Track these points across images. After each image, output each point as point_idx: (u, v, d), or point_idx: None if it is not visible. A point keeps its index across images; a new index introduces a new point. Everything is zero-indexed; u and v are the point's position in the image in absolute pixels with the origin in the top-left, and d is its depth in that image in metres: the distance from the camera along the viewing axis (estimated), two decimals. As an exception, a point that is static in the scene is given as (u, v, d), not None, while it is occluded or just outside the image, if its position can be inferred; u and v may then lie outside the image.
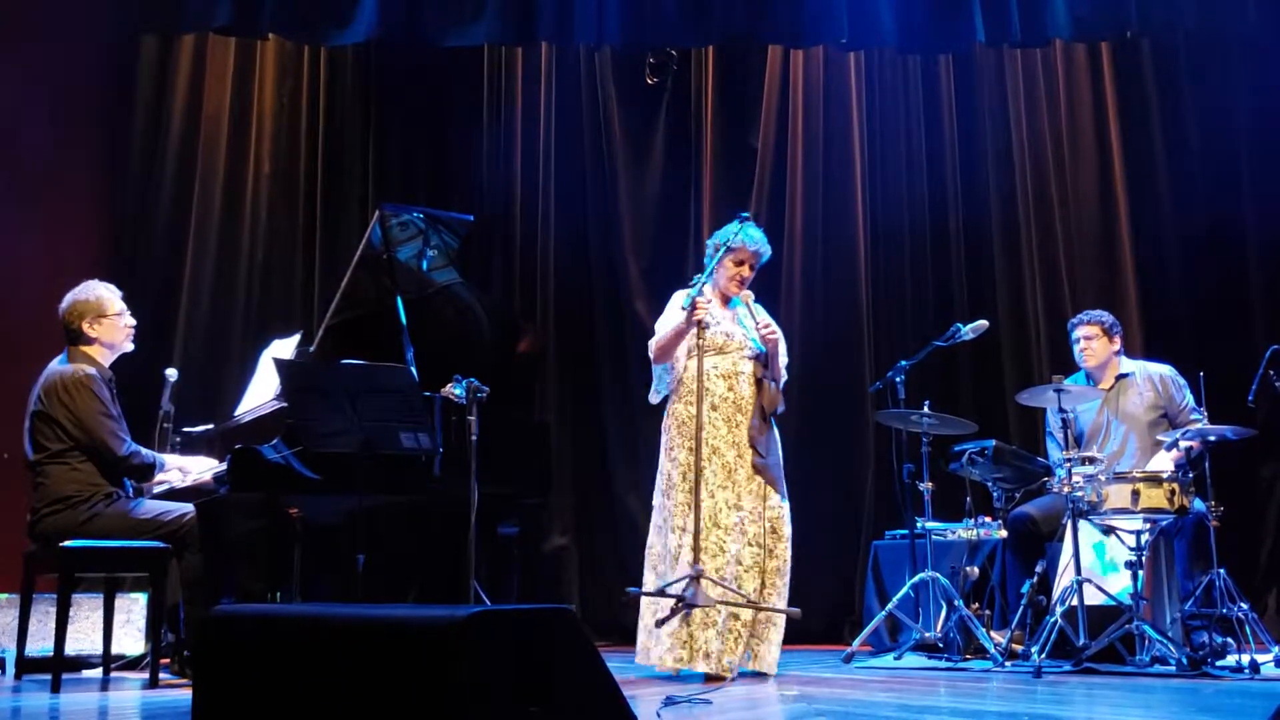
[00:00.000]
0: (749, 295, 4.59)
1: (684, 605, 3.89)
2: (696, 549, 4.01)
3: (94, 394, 4.50)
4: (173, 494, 4.78)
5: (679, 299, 4.53)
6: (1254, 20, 6.48)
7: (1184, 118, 6.71)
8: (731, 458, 4.36)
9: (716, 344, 4.46)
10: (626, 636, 6.47)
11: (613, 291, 6.87)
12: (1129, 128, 6.73)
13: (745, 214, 4.59)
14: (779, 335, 4.59)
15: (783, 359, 4.61)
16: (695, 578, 3.89)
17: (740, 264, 4.57)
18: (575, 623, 2.52)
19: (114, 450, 4.50)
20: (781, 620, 4.35)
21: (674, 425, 4.49)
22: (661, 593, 4.07)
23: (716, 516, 4.27)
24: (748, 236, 4.55)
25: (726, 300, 4.64)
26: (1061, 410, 4.88)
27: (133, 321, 4.79)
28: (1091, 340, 5.35)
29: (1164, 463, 4.98)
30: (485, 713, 2.22)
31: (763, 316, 4.62)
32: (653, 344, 4.59)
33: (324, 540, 5.32)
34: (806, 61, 6.95)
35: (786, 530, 4.42)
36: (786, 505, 4.46)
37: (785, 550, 4.39)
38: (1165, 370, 5.35)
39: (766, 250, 4.63)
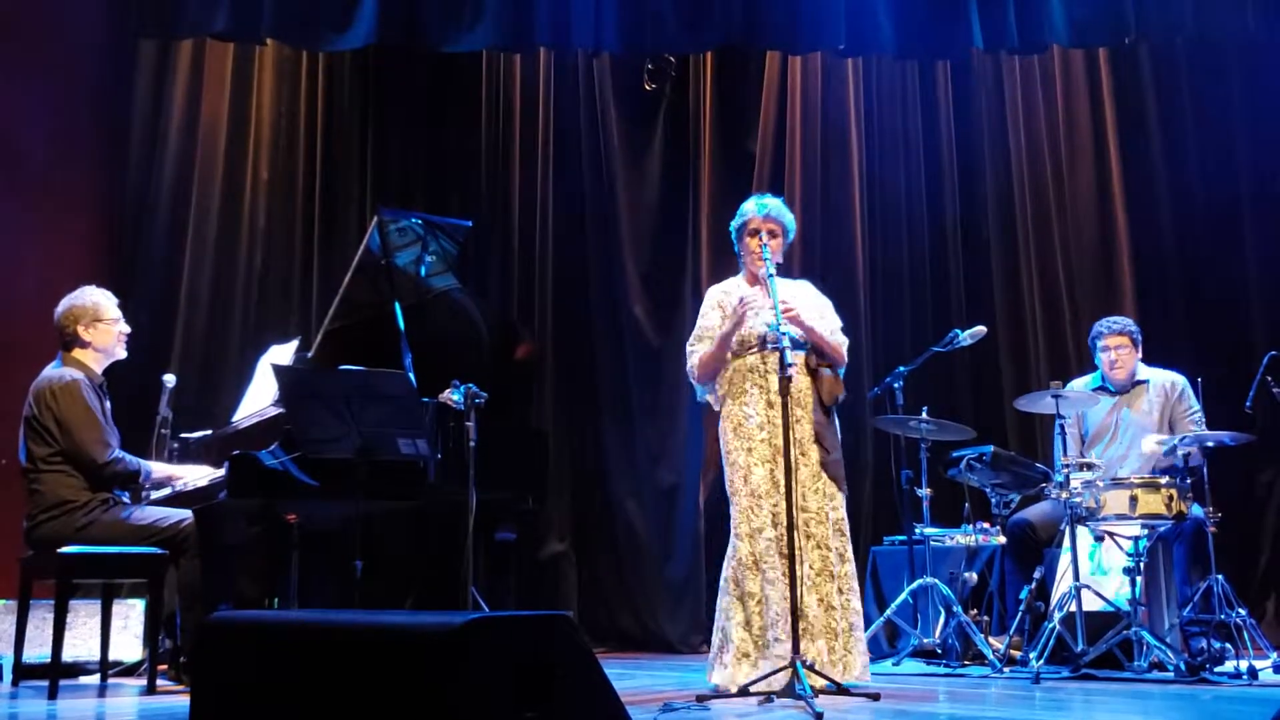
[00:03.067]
0: (774, 264, 4.17)
1: (772, 697, 3.70)
2: (795, 637, 3.75)
3: (79, 399, 4.51)
4: (171, 500, 4.78)
5: (708, 307, 4.33)
6: (1252, 26, 6.49)
7: (1182, 123, 6.72)
8: (794, 456, 4.02)
9: (759, 337, 4.18)
10: (624, 642, 6.50)
11: (611, 297, 6.87)
12: (1127, 133, 6.74)
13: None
14: (798, 310, 4.14)
15: (829, 333, 4.25)
16: (792, 667, 3.70)
17: (754, 234, 4.28)
18: (573, 629, 2.52)
19: (95, 457, 4.49)
20: (859, 629, 4.09)
21: (730, 428, 4.21)
22: (745, 691, 3.79)
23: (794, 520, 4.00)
24: (758, 206, 4.33)
25: (755, 281, 4.33)
26: (1060, 416, 4.88)
27: (127, 328, 4.80)
28: (1123, 352, 5.30)
29: (1150, 445, 5.01)
30: (483, 719, 2.22)
31: (792, 290, 4.28)
32: (694, 367, 4.26)
33: (322, 546, 5.31)
34: (804, 68, 6.95)
35: (848, 530, 4.18)
36: (844, 504, 4.20)
37: (850, 552, 4.14)
38: (1179, 379, 5.34)
39: (779, 213, 4.33)
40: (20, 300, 5.89)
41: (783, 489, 4.01)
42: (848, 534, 4.18)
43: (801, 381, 4.14)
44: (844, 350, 4.32)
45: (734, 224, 4.41)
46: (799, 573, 3.94)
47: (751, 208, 4.36)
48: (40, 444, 4.51)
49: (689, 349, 4.33)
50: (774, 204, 4.38)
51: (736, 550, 4.12)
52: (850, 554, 4.16)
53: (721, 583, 4.20)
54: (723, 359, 4.23)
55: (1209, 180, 6.60)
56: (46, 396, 4.52)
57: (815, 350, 4.21)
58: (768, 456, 4.11)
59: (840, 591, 4.05)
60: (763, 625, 4.01)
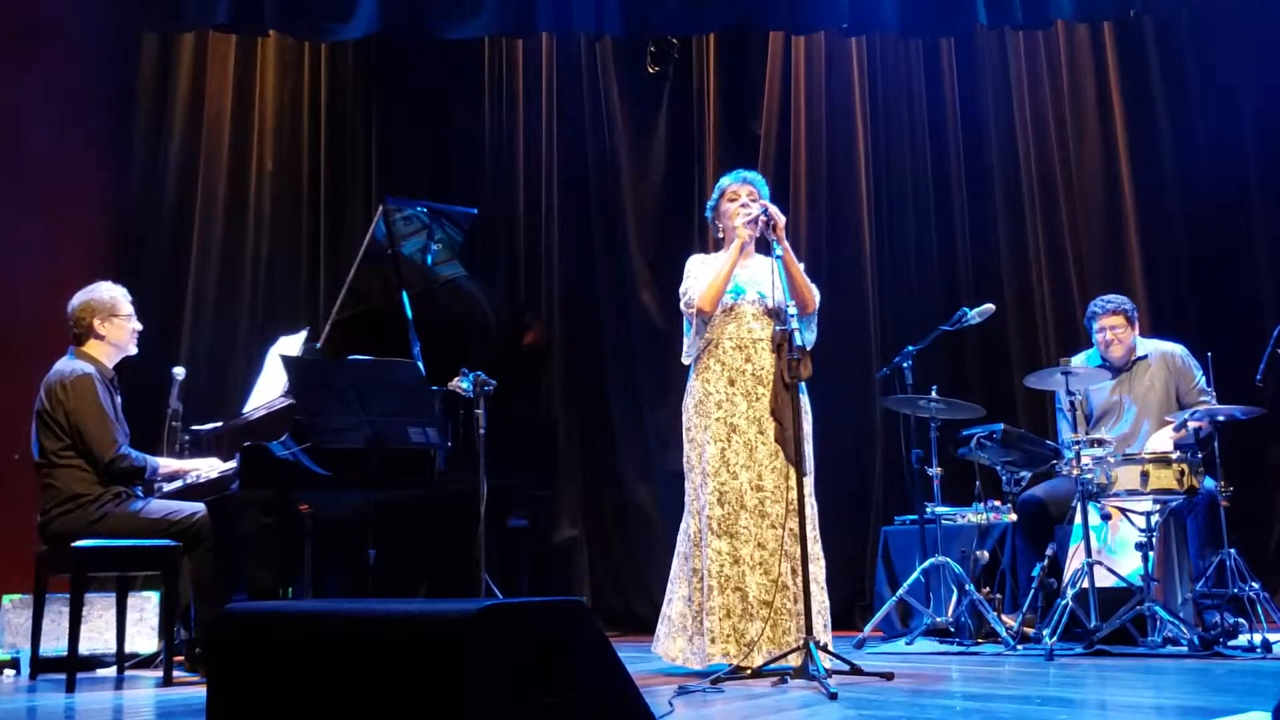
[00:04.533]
0: (781, 239, 4.07)
1: (786, 678, 3.66)
2: (809, 618, 3.71)
3: (90, 393, 4.52)
4: (183, 492, 4.80)
5: (695, 264, 4.33)
6: (1258, -3, 6.46)
7: (1187, 96, 6.69)
8: (752, 434, 4.07)
9: (728, 305, 4.18)
10: (638, 626, 6.51)
11: (617, 281, 6.87)
12: (1132, 107, 6.71)
13: None
14: (764, 212, 4.09)
15: (813, 295, 4.19)
16: (804, 648, 3.64)
17: (734, 199, 4.27)
18: (587, 614, 2.52)
19: (101, 453, 4.50)
20: (827, 615, 4.03)
21: (691, 403, 4.24)
22: (757, 672, 3.78)
23: (742, 499, 4.02)
24: (733, 174, 4.34)
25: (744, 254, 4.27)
26: (1070, 393, 4.87)
27: (139, 325, 4.82)
28: (1119, 331, 5.28)
29: (1163, 441, 4.97)
30: (499, 706, 2.22)
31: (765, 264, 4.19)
32: (697, 293, 4.18)
33: (335, 536, 5.33)
34: (808, 47, 6.93)
35: (809, 513, 3.99)
36: (808, 484, 4.03)
37: (811, 532, 4.01)
38: (1178, 349, 5.33)
39: (756, 179, 4.32)
40: (26, 295, 5.90)
41: (731, 469, 4.06)
42: (807, 515, 3.95)
43: (766, 358, 4.14)
44: (816, 297, 4.23)
45: (710, 202, 4.40)
46: (742, 552, 3.98)
47: (726, 178, 4.37)
48: (52, 438, 4.52)
49: (684, 293, 4.28)
50: (753, 174, 4.38)
51: (687, 526, 4.17)
52: (811, 535, 3.99)
53: (675, 556, 4.23)
54: (727, 280, 4.17)
55: (1215, 152, 6.56)
56: (58, 390, 4.54)
57: (782, 320, 4.08)
58: (721, 435, 4.11)
59: (795, 572, 3.95)
60: (700, 603, 4.04)
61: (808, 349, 4.11)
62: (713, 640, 3.95)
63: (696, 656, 4.02)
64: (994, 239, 6.85)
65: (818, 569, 4.06)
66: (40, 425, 4.56)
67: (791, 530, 3.97)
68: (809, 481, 4.07)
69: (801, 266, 4.24)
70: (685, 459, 4.27)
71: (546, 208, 6.93)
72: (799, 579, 3.93)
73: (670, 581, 4.24)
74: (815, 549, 4.10)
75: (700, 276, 4.27)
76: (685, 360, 4.35)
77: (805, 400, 4.17)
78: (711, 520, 4.05)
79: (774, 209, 4.13)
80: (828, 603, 4.09)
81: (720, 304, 4.20)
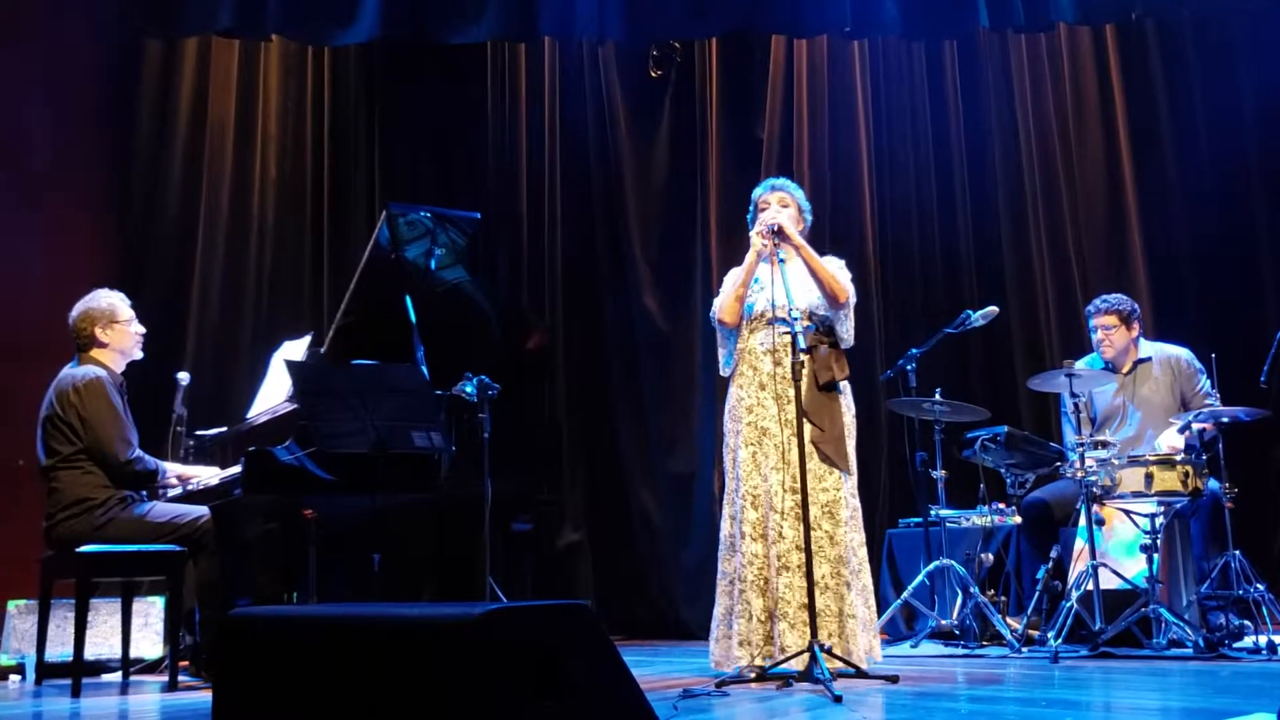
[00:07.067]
0: (793, 239, 4.16)
1: (790, 681, 3.70)
2: (813, 621, 3.75)
3: (103, 396, 4.53)
4: (187, 497, 4.80)
5: (727, 278, 4.37)
6: (1259, -1, 6.46)
7: (1190, 98, 6.69)
8: (785, 436, 4.02)
9: (758, 312, 4.19)
10: (642, 630, 6.51)
11: (620, 285, 6.87)
12: (1135, 110, 6.71)
13: None
14: (780, 218, 4.16)
15: (842, 285, 4.16)
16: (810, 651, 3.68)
17: (765, 208, 4.28)
18: (592, 618, 2.52)
19: (116, 456, 4.51)
20: (863, 612, 4.01)
21: (726, 409, 4.25)
22: (762, 675, 3.83)
23: (772, 500, 3.99)
24: (764, 184, 4.38)
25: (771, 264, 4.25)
26: (1074, 395, 4.87)
27: (142, 329, 4.83)
28: (1111, 331, 5.27)
29: (1172, 439, 4.97)
30: (503, 710, 2.22)
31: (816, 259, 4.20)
32: (718, 305, 4.26)
33: (339, 540, 5.33)
34: (810, 51, 6.93)
35: (843, 514, 3.99)
36: (847, 485, 4.08)
37: (845, 535, 3.99)
38: (1183, 353, 5.32)
39: (786, 185, 4.36)
40: (28, 302, 5.90)
41: (763, 472, 4.06)
42: (840, 517, 4.00)
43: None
44: (848, 288, 4.20)
45: (749, 215, 4.39)
46: (771, 553, 3.97)
47: (758, 188, 4.41)
48: (63, 442, 4.52)
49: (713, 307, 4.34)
50: (781, 180, 4.42)
51: (722, 530, 4.18)
52: (842, 537, 3.99)
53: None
54: (743, 289, 4.21)
55: (1218, 154, 6.57)
56: (70, 394, 4.54)
57: (820, 326, 4.16)
58: (753, 439, 4.11)
59: (836, 575, 3.97)
60: (729, 606, 4.04)
61: (844, 346, 4.19)
62: (741, 643, 3.95)
63: (727, 660, 4.00)
64: (997, 241, 6.85)
65: (865, 575, 4.09)
66: (49, 429, 4.56)
67: (828, 532, 4.00)
68: (852, 482, 4.12)
69: (841, 263, 4.26)
70: (725, 465, 4.27)
71: (549, 212, 6.94)
72: (838, 581, 3.97)
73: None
74: (863, 553, 4.11)
75: (724, 289, 4.32)
76: (723, 373, 4.34)
77: (846, 399, 4.20)
78: (745, 524, 4.05)
79: (779, 216, 4.17)
80: (871, 615, 4.09)
81: (747, 313, 4.22)
